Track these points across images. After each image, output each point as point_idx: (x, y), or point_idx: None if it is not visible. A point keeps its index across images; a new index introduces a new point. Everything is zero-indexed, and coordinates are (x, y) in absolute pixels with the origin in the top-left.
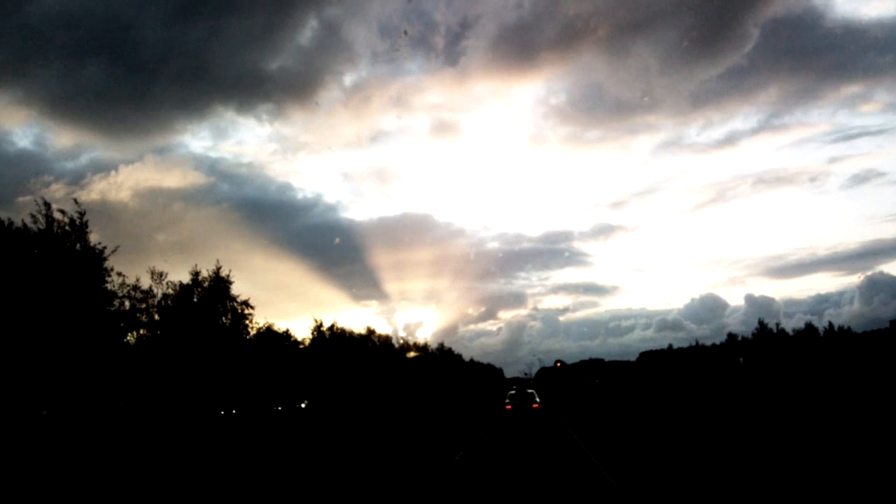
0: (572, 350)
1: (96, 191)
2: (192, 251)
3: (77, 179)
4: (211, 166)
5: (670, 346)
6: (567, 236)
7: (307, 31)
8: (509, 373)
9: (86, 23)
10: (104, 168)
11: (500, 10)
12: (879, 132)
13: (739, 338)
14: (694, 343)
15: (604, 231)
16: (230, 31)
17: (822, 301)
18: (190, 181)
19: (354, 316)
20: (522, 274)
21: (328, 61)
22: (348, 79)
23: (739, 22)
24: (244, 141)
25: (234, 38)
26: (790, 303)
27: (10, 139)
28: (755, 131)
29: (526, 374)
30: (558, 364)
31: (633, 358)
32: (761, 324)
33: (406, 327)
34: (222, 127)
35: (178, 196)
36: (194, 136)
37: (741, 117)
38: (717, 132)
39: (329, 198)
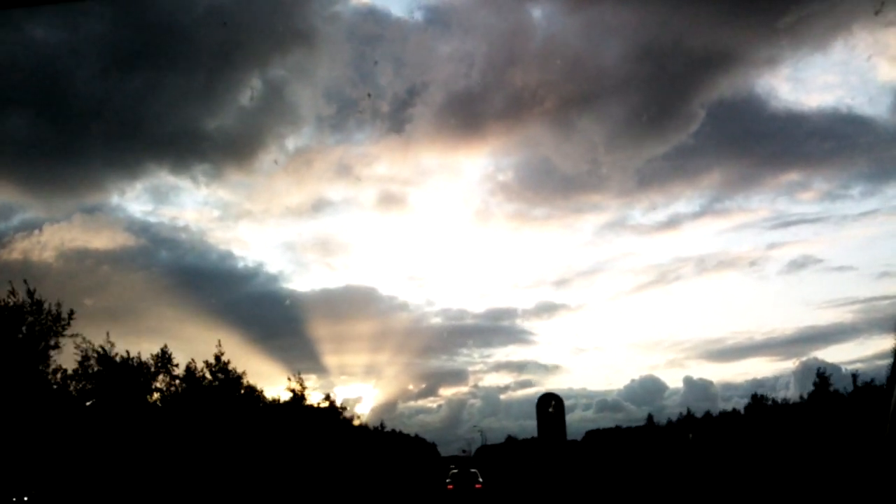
0: (512, 429)
1: (18, 250)
2: (121, 317)
3: None
4: (144, 228)
5: (618, 426)
6: (511, 313)
7: (249, 90)
8: (446, 451)
9: (12, 70)
10: (27, 226)
11: (448, 78)
12: (817, 220)
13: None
14: (641, 423)
15: (547, 309)
16: (166, 87)
17: (759, 385)
18: (120, 243)
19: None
20: (465, 350)
21: (270, 123)
22: (291, 142)
23: (686, 101)
24: (179, 203)
25: (171, 95)
26: (727, 386)
27: None
28: (698, 215)
29: (465, 451)
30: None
31: (574, 438)
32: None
33: (345, 402)
34: (156, 187)
35: (107, 258)
36: (126, 197)
37: (684, 200)
38: (661, 214)
39: (271, 267)
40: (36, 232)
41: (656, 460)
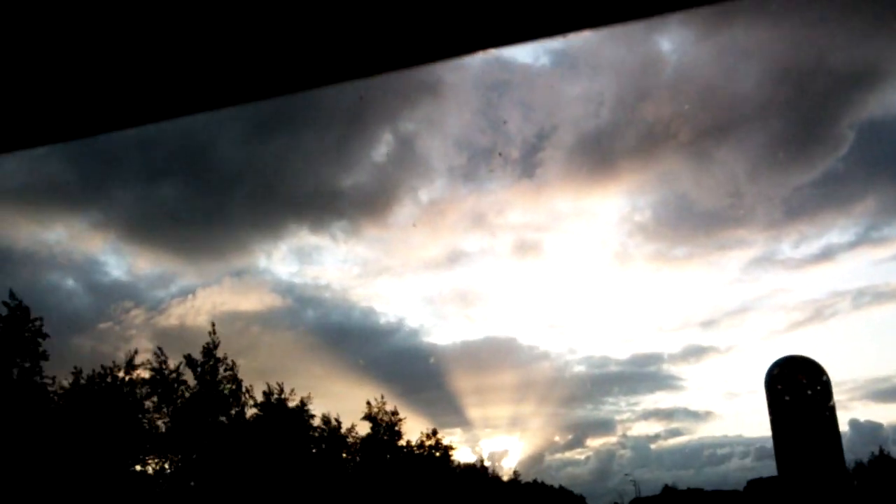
0: (665, 480)
1: (175, 315)
2: (271, 376)
3: (156, 304)
4: (289, 289)
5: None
6: (656, 359)
7: (381, 146)
8: None
9: (161, 143)
10: (183, 292)
11: (577, 119)
12: None
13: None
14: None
15: (695, 353)
16: (303, 148)
17: None
18: (267, 304)
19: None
20: (610, 399)
21: (403, 177)
22: (424, 195)
23: (833, 123)
24: (320, 262)
25: (307, 155)
26: None
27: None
28: (853, 244)
29: (616, 503)
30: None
31: (730, 488)
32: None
33: (490, 456)
34: (298, 247)
35: (256, 319)
36: (271, 258)
37: (837, 230)
38: (813, 246)
39: (411, 322)
40: (190, 297)
41: None
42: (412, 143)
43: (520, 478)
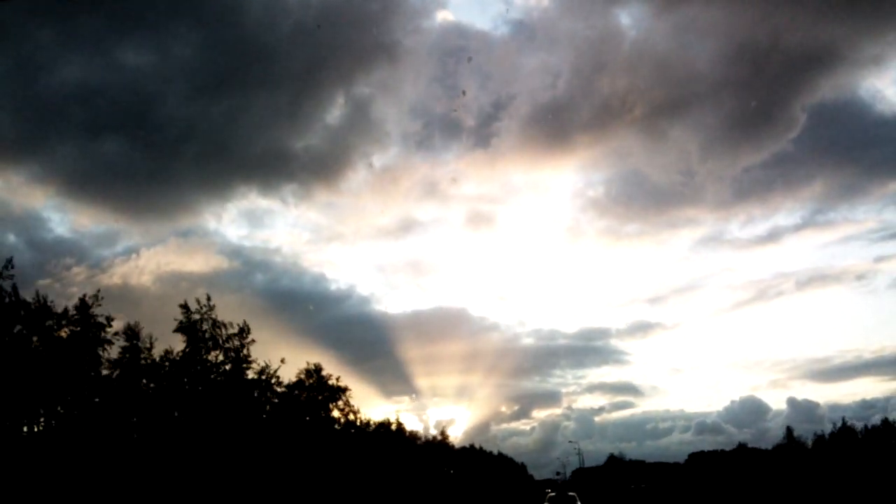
0: (608, 451)
1: (118, 274)
2: None
3: (98, 262)
4: (236, 251)
5: (722, 450)
6: (604, 333)
7: (335, 109)
8: (540, 475)
9: (105, 96)
10: (127, 251)
11: (533, 90)
12: None
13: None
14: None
15: (642, 328)
16: (253, 108)
17: (868, 407)
18: (214, 266)
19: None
20: (557, 371)
21: (356, 142)
22: (377, 160)
23: (786, 105)
24: (271, 225)
25: (258, 115)
26: (835, 407)
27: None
28: (799, 227)
29: (559, 473)
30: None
31: (671, 461)
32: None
33: (437, 424)
34: (247, 209)
35: (201, 281)
36: (219, 219)
37: (785, 212)
38: (760, 227)
39: (363, 289)
40: (134, 256)
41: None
42: (367, 108)
43: (443, 441)
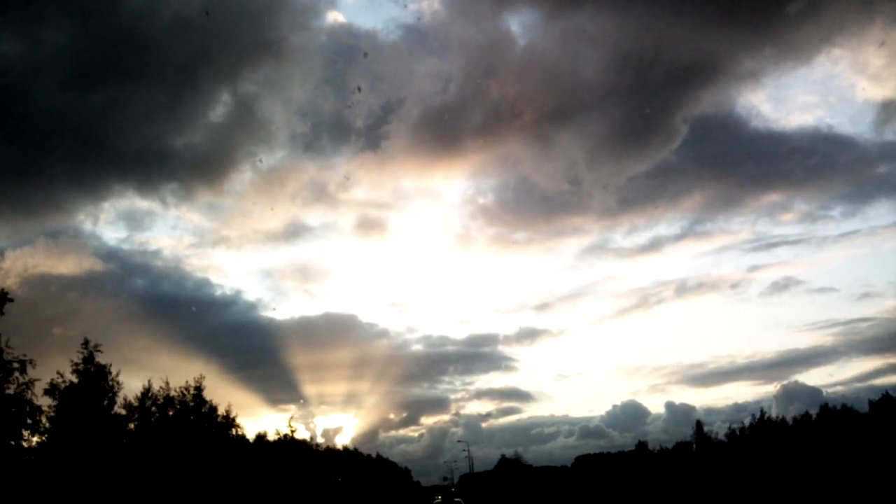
0: (494, 457)
1: None
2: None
3: None
4: (112, 253)
5: (607, 453)
6: (492, 339)
7: (219, 106)
8: (428, 481)
9: None
10: None
11: (424, 94)
12: (798, 241)
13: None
14: (627, 448)
15: (529, 335)
16: (130, 102)
17: (740, 410)
18: (87, 268)
19: (272, 422)
20: (446, 378)
21: (241, 140)
22: (263, 162)
23: (668, 115)
24: (151, 227)
25: (135, 110)
26: (710, 411)
27: None
28: (679, 237)
29: (446, 479)
30: None
31: (558, 464)
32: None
33: (325, 433)
34: (124, 209)
35: (73, 285)
36: (93, 220)
37: (666, 222)
38: (642, 237)
39: (249, 295)
40: None
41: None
42: (252, 106)
43: (321, 446)
